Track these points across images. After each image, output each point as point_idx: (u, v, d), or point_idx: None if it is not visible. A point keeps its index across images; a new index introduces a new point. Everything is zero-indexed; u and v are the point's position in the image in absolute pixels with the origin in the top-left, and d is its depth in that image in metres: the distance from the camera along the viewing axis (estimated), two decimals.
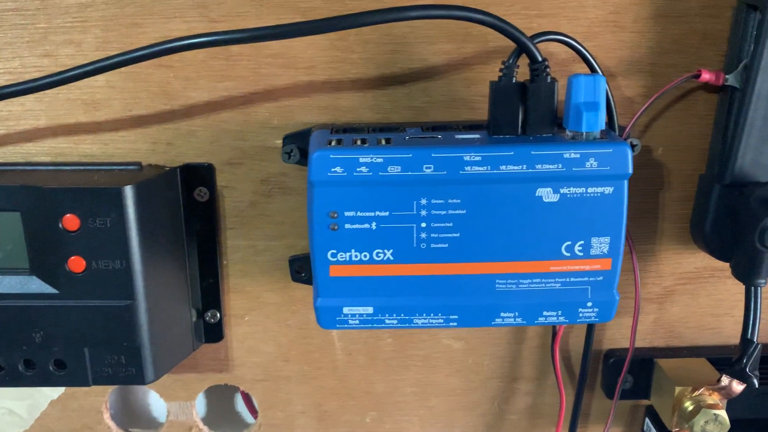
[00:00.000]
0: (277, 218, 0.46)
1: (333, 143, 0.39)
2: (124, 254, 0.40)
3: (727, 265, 0.44)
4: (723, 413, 0.43)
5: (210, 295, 0.47)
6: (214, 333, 0.48)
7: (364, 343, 0.49)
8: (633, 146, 0.42)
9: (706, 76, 0.41)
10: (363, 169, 0.37)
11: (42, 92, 0.43)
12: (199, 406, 0.55)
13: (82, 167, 0.44)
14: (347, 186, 0.38)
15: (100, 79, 0.43)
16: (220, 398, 0.56)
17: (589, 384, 0.50)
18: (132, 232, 0.40)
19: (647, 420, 0.50)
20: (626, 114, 0.44)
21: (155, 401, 0.56)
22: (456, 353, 0.50)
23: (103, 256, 0.40)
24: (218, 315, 0.48)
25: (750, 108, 0.40)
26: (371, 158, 0.37)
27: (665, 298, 0.48)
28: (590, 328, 0.47)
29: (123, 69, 0.42)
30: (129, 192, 0.39)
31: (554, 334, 0.47)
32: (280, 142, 0.44)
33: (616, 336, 0.49)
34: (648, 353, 0.49)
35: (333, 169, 0.37)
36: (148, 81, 0.43)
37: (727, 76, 0.41)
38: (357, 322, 0.41)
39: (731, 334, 0.49)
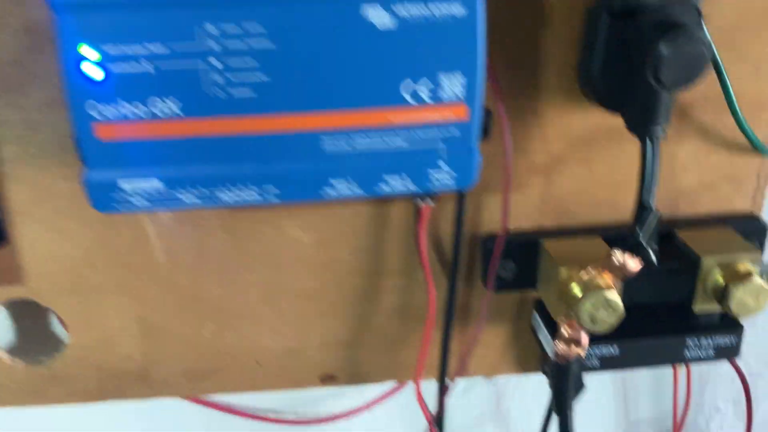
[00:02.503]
0: (53, 80, 0.35)
1: None
2: None
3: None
4: (614, 295, 0.35)
5: None
6: None
7: (190, 239, 0.40)
8: None
9: None
10: None
11: None
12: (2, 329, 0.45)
13: None
14: (104, 10, 0.27)
15: None
16: (27, 317, 0.46)
17: (469, 276, 0.42)
18: None
19: (535, 313, 0.43)
20: None
21: None
22: (306, 248, 0.41)
23: None
24: None
25: None
26: None
27: (553, 167, 0.40)
28: (460, 204, 0.39)
29: None
30: None
31: (418, 215, 0.39)
32: None
33: (497, 217, 0.41)
34: (534, 235, 0.41)
35: None
36: None
37: None
38: (144, 201, 0.31)
39: (632, 207, 0.41)
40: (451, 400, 0.53)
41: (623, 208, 0.41)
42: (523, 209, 0.41)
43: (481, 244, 0.41)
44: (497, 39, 0.36)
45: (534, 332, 0.43)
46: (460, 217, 0.39)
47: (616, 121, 0.36)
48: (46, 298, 0.41)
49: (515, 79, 0.37)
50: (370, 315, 0.43)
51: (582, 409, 0.54)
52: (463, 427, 0.54)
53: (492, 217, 0.41)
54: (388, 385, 0.47)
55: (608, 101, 0.36)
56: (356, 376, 0.45)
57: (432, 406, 0.45)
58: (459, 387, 0.52)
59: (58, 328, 0.45)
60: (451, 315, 0.41)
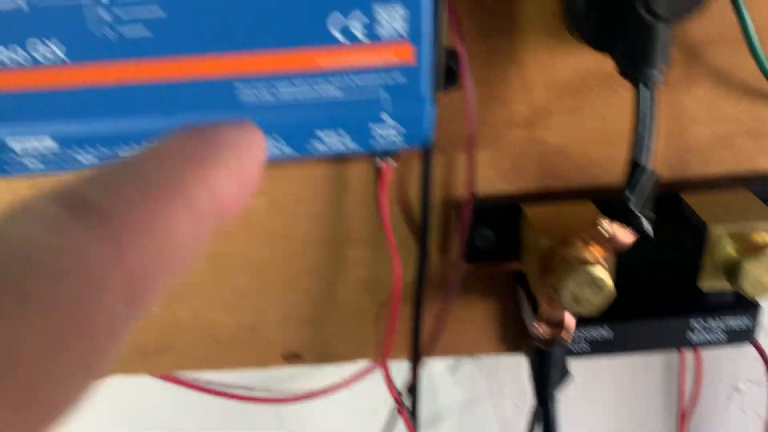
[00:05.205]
0: None
1: None
2: None
3: None
4: (602, 273, 0.30)
5: None
6: None
7: None
8: None
9: None
10: None
11: None
12: None
13: None
14: None
15: None
16: None
17: (445, 246, 0.37)
18: None
19: (518, 288, 0.37)
20: None
21: None
22: (256, 214, 0.36)
23: None
24: None
25: None
26: None
27: (536, 119, 0.34)
28: (426, 163, 0.34)
29: None
30: None
31: (379, 177, 0.34)
32: None
33: (473, 178, 0.36)
34: (516, 200, 0.36)
35: None
36: None
37: None
38: (38, 162, 0.27)
39: None
40: (436, 381, 0.49)
41: (621, 168, 0.36)
42: (503, 168, 0.35)
43: (455, 210, 0.36)
44: None
45: (518, 309, 0.38)
46: (427, 178, 0.34)
47: (612, 65, 0.31)
48: None
49: (488, 15, 0.32)
50: (334, 289, 0.39)
51: (576, 396, 0.49)
52: (449, 409, 0.49)
53: (466, 177, 0.36)
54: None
55: (596, 40, 0.30)
56: (323, 355, 0.41)
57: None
58: (443, 366, 0.47)
59: None
60: (421, 288, 0.36)
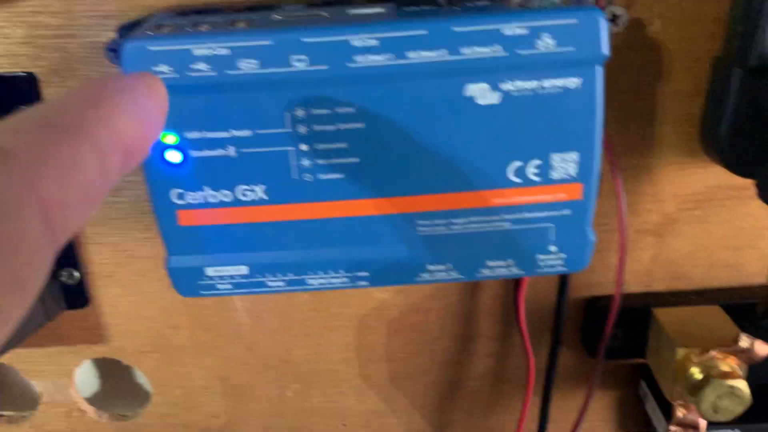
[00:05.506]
0: None
1: (166, 30, 0.26)
2: None
3: (749, 182, 0.31)
4: (742, 384, 0.32)
5: (62, 250, 0.36)
6: (76, 296, 0.37)
7: (274, 302, 0.38)
8: (615, 17, 0.29)
9: None
10: (202, 66, 0.25)
11: None
12: (86, 382, 0.45)
13: None
14: (184, 94, 0.25)
15: None
16: (113, 371, 0.46)
17: (569, 341, 0.39)
18: None
19: (643, 383, 0.39)
20: None
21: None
22: (393, 309, 0.38)
23: None
24: (76, 274, 0.37)
25: None
26: (212, 49, 0.25)
27: (666, 228, 0.36)
28: (563, 277, 0.36)
29: None
30: None
31: (517, 283, 0.36)
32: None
33: (602, 280, 0.37)
34: (644, 300, 0.37)
35: (157, 69, 0.25)
36: None
37: None
38: (229, 286, 0.29)
39: (755, 272, 0.37)
40: None
41: (744, 272, 0.37)
42: (632, 271, 0.37)
43: (585, 309, 0.38)
44: (608, 91, 0.33)
45: (640, 400, 0.40)
46: (564, 285, 0.36)
47: (738, 180, 0.32)
48: (129, 357, 0.40)
49: (627, 136, 0.34)
50: (460, 379, 0.41)
51: None
52: None
53: (597, 279, 0.37)
54: None
55: (737, 166, 0.31)
56: None
57: None
58: None
59: (143, 383, 0.44)
60: (551, 383, 0.38)
